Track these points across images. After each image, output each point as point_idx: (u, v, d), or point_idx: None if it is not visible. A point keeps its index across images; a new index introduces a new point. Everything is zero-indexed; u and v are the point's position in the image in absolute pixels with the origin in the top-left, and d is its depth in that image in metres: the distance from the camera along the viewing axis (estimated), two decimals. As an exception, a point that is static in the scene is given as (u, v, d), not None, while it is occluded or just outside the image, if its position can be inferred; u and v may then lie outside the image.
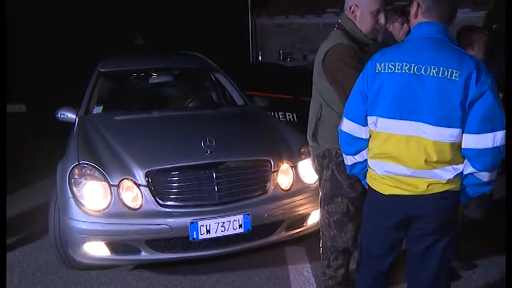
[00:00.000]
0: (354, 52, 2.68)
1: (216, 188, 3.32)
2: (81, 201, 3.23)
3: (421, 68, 2.10)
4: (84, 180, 3.27)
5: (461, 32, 3.33)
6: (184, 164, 3.35)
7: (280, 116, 6.66)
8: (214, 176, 3.33)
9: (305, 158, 3.68)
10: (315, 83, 2.89)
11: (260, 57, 9.23)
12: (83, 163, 3.33)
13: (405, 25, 4.43)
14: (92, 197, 3.25)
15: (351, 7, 2.77)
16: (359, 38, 2.75)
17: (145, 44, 11.81)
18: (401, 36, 4.43)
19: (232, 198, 3.35)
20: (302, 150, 3.73)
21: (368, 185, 2.42)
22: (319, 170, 2.94)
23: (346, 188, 2.83)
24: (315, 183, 3.59)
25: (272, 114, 6.25)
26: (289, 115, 6.60)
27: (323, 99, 2.79)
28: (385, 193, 2.29)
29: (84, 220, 3.18)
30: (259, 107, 4.89)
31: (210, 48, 7.94)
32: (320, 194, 2.98)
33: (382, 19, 2.74)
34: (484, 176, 2.16)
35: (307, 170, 3.62)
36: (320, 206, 2.98)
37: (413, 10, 2.25)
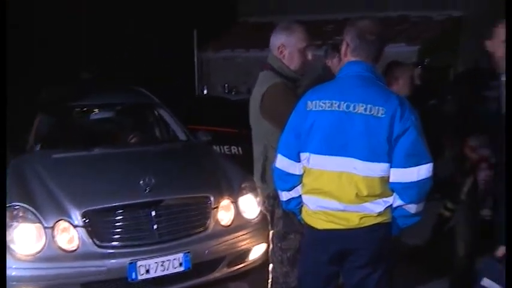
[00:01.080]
0: (289, 89, 2.75)
1: (155, 226, 3.27)
2: (11, 246, 3.09)
3: (350, 106, 2.18)
4: (16, 223, 3.14)
5: (387, 67, 3.48)
6: (122, 203, 3.29)
7: (226, 150, 6.68)
8: (154, 215, 3.29)
9: (246, 193, 3.69)
10: (254, 126, 2.93)
11: (205, 91, 9.30)
12: (14, 205, 3.21)
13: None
14: (23, 240, 3.12)
15: (278, 47, 2.83)
16: (288, 75, 2.82)
17: (91, 78, 11.66)
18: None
19: (172, 237, 3.31)
20: (243, 185, 3.74)
21: (303, 221, 2.45)
22: (270, 210, 2.95)
23: (298, 224, 2.86)
24: (255, 218, 3.60)
25: (217, 148, 6.26)
26: (234, 148, 6.62)
27: (267, 141, 2.82)
28: (319, 228, 2.32)
29: (15, 266, 3.04)
30: (202, 142, 4.90)
31: (156, 82, 7.92)
32: (271, 231, 2.99)
33: (309, 55, 2.81)
34: (411, 208, 2.23)
35: (248, 205, 3.63)
36: (272, 244, 2.98)
37: (342, 49, 2.34)
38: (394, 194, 2.23)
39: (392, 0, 10.44)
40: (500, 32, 2.80)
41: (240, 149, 6.66)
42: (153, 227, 3.26)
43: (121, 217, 3.26)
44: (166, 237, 3.29)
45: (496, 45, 2.84)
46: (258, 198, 3.57)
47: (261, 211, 3.39)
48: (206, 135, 5.06)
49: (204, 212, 3.48)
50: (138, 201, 3.31)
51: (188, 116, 6.35)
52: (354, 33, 2.28)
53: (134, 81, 6.12)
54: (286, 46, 2.80)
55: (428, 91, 6.73)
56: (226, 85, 8.72)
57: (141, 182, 3.37)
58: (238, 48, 9.96)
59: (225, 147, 6.66)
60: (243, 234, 3.55)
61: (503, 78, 2.81)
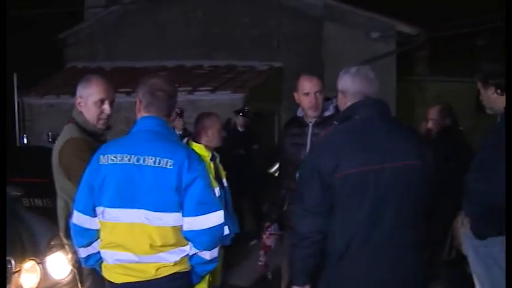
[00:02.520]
0: (87, 145, 2.68)
1: None
2: None
3: (140, 159, 2.24)
4: None
5: (197, 118, 3.64)
6: None
7: (42, 203, 6.23)
8: None
9: (55, 252, 3.48)
10: (56, 180, 2.83)
11: (25, 140, 8.66)
12: None
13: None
14: None
15: (77, 99, 2.80)
16: (90, 130, 2.78)
17: None
18: (179, 131, 4.67)
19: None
20: (52, 243, 3.52)
21: (103, 276, 2.40)
22: (77, 267, 2.85)
23: None
24: (66, 277, 3.40)
25: (31, 201, 5.83)
26: (47, 201, 6.21)
27: (67, 196, 2.73)
28: (117, 282, 2.30)
29: None
30: (10, 197, 4.51)
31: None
32: None
33: (107, 109, 2.79)
34: (206, 255, 2.32)
35: (57, 265, 3.42)
36: None
37: (136, 105, 2.41)
38: (189, 242, 2.30)
39: (221, 50, 10.94)
40: (303, 84, 3.12)
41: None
42: None
43: None
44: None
45: (300, 97, 3.16)
46: (69, 255, 3.39)
47: (72, 269, 3.23)
48: (17, 189, 4.69)
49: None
50: None
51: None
52: (146, 90, 2.38)
53: None
54: (82, 98, 2.77)
55: (251, 136, 7.17)
56: (49, 133, 8.24)
57: None
58: (63, 94, 9.51)
59: (38, 199, 6.19)
60: (52, 297, 3.31)
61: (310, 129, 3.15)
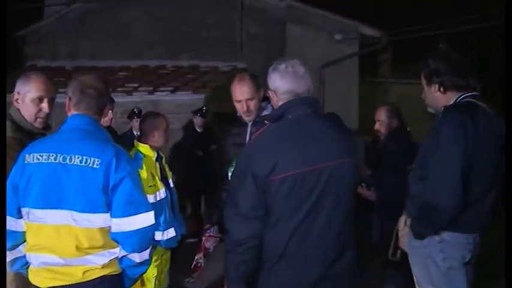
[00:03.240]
0: (21, 145, 2.52)
1: None
2: None
3: (66, 158, 2.16)
4: None
5: (143, 118, 3.56)
6: None
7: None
8: None
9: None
10: None
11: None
12: None
13: (110, 112, 4.54)
14: None
15: (14, 95, 2.68)
16: (27, 128, 2.65)
17: None
18: (106, 123, 4.52)
19: None
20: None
21: (30, 281, 2.30)
22: None
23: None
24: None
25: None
26: None
27: None
28: (43, 287, 2.21)
29: None
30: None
31: None
32: None
33: (45, 108, 2.68)
34: (135, 257, 2.25)
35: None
36: None
37: (66, 103, 2.32)
38: (119, 244, 2.23)
39: (184, 51, 10.84)
40: (234, 91, 3.07)
41: None
42: None
43: None
44: None
45: (234, 102, 3.11)
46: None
47: None
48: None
49: None
50: None
51: None
52: (75, 87, 2.30)
53: None
54: (20, 94, 2.66)
55: (209, 137, 7.10)
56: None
57: None
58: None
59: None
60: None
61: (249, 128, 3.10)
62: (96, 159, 2.13)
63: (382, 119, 4.28)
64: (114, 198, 2.15)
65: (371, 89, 11.44)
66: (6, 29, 2.80)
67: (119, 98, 8.84)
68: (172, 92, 9.13)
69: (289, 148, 2.12)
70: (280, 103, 2.24)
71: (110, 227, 2.18)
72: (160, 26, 10.92)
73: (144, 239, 2.23)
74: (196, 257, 3.60)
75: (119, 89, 9.15)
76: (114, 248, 2.22)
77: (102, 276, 2.20)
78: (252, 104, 3.02)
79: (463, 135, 2.48)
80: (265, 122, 2.30)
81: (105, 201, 2.14)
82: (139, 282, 3.24)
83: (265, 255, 2.15)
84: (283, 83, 2.22)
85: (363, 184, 4.27)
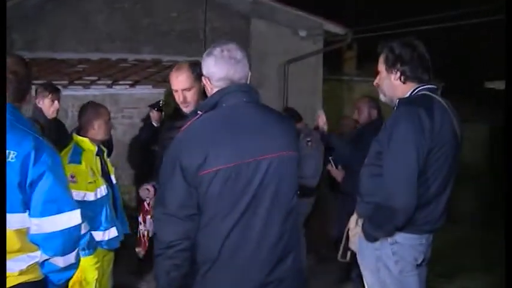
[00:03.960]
0: None
1: None
2: None
3: None
4: None
5: (81, 110, 3.32)
6: None
7: None
8: None
9: None
10: None
11: None
12: None
13: (56, 102, 4.30)
14: None
15: None
16: None
17: None
18: (52, 114, 4.28)
19: None
20: None
21: None
22: None
23: None
24: None
25: None
26: None
27: None
28: None
29: None
30: None
31: None
32: None
33: None
34: (58, 261, 2.04)
35: None
36: None
37: None
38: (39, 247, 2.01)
39: (147, 44, 10.58)
40: (171, 80, 2.86)
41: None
42: None
43: None
44: None
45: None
46: None
47: None
48: None
49: None
50: None
51: None
52: None
53: None
54: None
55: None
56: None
57: None
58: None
59: None
60: None
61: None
62: (12, 152, 1.91)
63: (362, 108, 4.28)
64: (32, 195, 1.93)
65: (335, 86, 11.40)
66: (6, 28, 2.59)
67: (75, 91, 8.58)
68: (131, 85, 8.87)
69: (222, 139, 1.95)
70: (214, 91, 2.05)
71: (28, 228, 1.96)
72: (122, 18, 10.62)
73: (68, 240, 2.02)
74: (139, 228, 3.31)
75: (77, 82, 8.86)
76: (34, 251, 2.00)
77: (20, 283, 1.98)
78: (190, 95, 2.81)
79: (419, 130, 2.33)
80: (198, 112, 2.07)
81: (23, 199, 1.92)
82: (77, 285, 3.03)
83: (198, 259, 1.97)
84: (217, 69, 2.02)
85: (331, 160, 4.22)
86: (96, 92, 8.73)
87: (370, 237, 2.50)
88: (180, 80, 2.80)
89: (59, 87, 4.63)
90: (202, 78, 2.11)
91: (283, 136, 2.04)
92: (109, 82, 8.89)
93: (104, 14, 10.73)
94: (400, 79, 2.50)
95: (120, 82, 8.90)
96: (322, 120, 4.38)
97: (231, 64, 2.02)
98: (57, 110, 4.24)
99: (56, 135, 3.97)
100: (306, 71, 10.12)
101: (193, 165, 1.90)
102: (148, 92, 8.54)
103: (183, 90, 2.80)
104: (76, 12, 10.75)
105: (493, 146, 10.03)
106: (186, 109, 2.84)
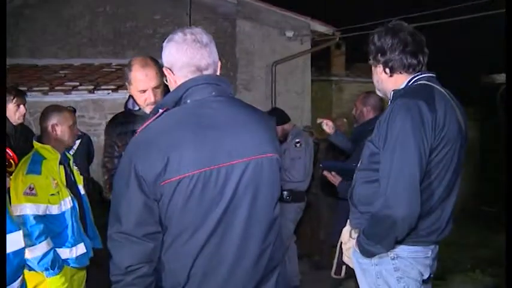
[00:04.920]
0: None
1: None
2: None
3: None
4: None
5: (43, 113, 3.05)
6: None
7: None
8: None
9: None
10: None
11: None
12: None
13: (21, 106, 4.00)
14: None
15: None
16: None
17: None
18: (18, 119, 3.99)
19: None
20: None
21: None
22: None
23: None
24: None
25: None
26: None
27: None
28: None
29: None
30: None
31: None
32: None
33: None
34: None
35: None
36: None
37: None
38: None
39: (131, 48, 10.32)
40: (136, 79, 2.53)
41: None
42: None
43: None
44: None
45: (134, 92, 2.61)
46: None
47: None
48: None
49: None
50: None
51: None
52: None
53: None
54: None
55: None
56: None
57: None
58: None
59: None
60: None
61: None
62: None
63: (356, 105, 4.00)
64: None
65: (324, 87, 11.18)
66: (6, 28, 2.40)
67: (56, 97, 8.29)
68: (114, 90, 8.59)
69: (186, 141, 1.63)
70: (178, 83, 1.75)
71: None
72: (105, 22, 10.36)
73: (8, 268, 1.74)
74: None
75: (57, 88, 8.59)
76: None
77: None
78: (159, 94, 2.52)
79: (419, 126, 2.00)
80: (160, 110, 1.75)
81: None
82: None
83: (164, 285, 1.67)
84: (180, 54, 1.71)
85: (321, 166, 3.92)
86: (77, 97, 8.50)
87: (367, 253, 2.16)
88: (150, 78, 2.50)
89: (38, 93, 4.33)
90: (164, 70, 1.79)
91: (261, 136, 1.75)
92: (90, 87, 8.60)
93: (86, 19, 10.47)
94: (385, 72, 2.22)
95: (102, 87, 8.62)
96: (329, 128, 4.08)
97: (195, 48, 1.71)
98: (24, 116, 3.94)
99: (24, 144, 3.68)
100: (294, 71, 9.91)
101: (151, 173, 1.60)
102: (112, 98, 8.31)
103: (154, 88, 2.51)
104: (57, 17, 10.49)
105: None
106: (150, 110, 2.53)
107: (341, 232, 3.13)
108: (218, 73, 1.79)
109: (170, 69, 1.76)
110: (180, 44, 1.71)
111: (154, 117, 1.74)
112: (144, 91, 2.52)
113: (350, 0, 12.32)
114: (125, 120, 2.68)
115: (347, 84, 11.93)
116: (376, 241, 2.10)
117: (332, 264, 2.64)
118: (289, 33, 9.84)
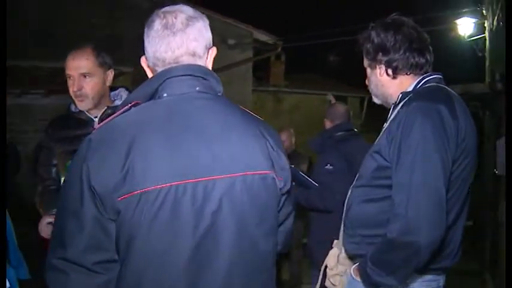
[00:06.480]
0: None
1: None
2: None
3: None
4: None
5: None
6: None
7: None
8: None
9: None
10: None
11: None
12: None
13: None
14: None
15: None
16: None
17: None
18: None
19: None
20: None
21: None
22: None
23: None
24: None
25: None
26: None
27: None
28: None
29: None
30: None
31: None
32: None
33: None
34: None
35: None
36: None
37: None
38: None
39: (65, 51, 9.89)
40: (66, 64, 2.22)
41: None
42: None
43: None
44: None
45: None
46: None
47: None
48: None
49: None
50: None
51: None
52: None
53: None
54: None
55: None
56: None
57: None
58: None
59: None
60: None
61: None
62: None
63: (337, 118, 3.57)
64: None
65: (263, 97, 11.16)
66: (6, 29, 2.18)
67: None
68: (45, 95, 8.12)
69: (157, 146, 1.25)
70: (152, 75, 1.38)
71: None
72: (35, 23, 9.88)
73: None
74: None
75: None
76: None
77: None
78: (89, 84, 2.18)
79: (442, 134, 1.67)
80: (128, 104, 1.35)
81: None
82: None
83: None
84: (147, 45, 1.35)
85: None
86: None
87: (373, 284, 1.76)
88: (78, 62, 2.18)
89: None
90: (141, 60, 1.42)
91: (254, 148, 1.35)
92: (17, 91, 8.07)
93: (13, 20, 9.94)
94: (387, 73, 1.87)
95: (32, 91, 8.13)
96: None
97: (161, 37, 1.33)
98: None
99: None
100: (235, 80, 9.82)
101: (105, 183, 1.22)
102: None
103: (80, 74, 2.18)
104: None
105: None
106: (81, 104, 2.21)
107: (319, 247, 2.73)
108: (209, 64, 1.40)
109: (145, 60, 1.40)
110: (148, 30, 1.35)
111: (118, 112, 1.33)
112: (70, 76, 2.19)
113: (294, 11, 12.42)
114: (66, 124, 2.40)
115: (286, 95, 11.97)
116: (389, 271, 1.72)
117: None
118: (231, 41, 9.77)
